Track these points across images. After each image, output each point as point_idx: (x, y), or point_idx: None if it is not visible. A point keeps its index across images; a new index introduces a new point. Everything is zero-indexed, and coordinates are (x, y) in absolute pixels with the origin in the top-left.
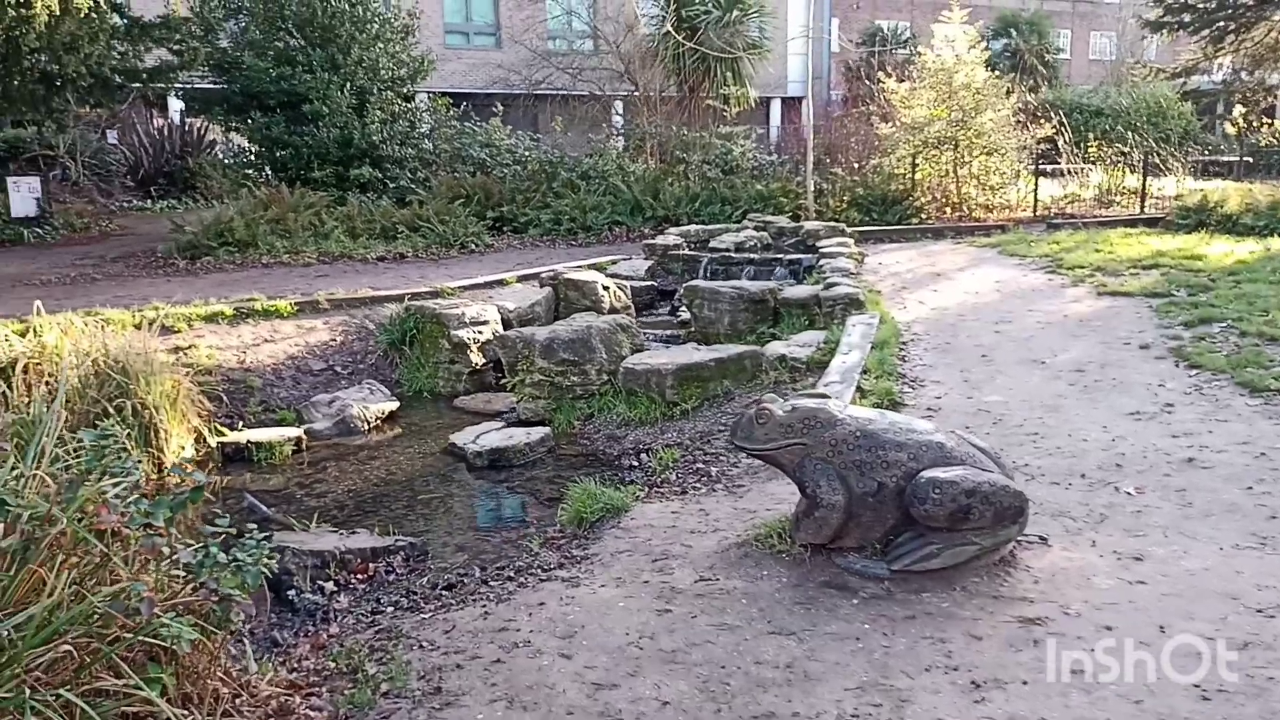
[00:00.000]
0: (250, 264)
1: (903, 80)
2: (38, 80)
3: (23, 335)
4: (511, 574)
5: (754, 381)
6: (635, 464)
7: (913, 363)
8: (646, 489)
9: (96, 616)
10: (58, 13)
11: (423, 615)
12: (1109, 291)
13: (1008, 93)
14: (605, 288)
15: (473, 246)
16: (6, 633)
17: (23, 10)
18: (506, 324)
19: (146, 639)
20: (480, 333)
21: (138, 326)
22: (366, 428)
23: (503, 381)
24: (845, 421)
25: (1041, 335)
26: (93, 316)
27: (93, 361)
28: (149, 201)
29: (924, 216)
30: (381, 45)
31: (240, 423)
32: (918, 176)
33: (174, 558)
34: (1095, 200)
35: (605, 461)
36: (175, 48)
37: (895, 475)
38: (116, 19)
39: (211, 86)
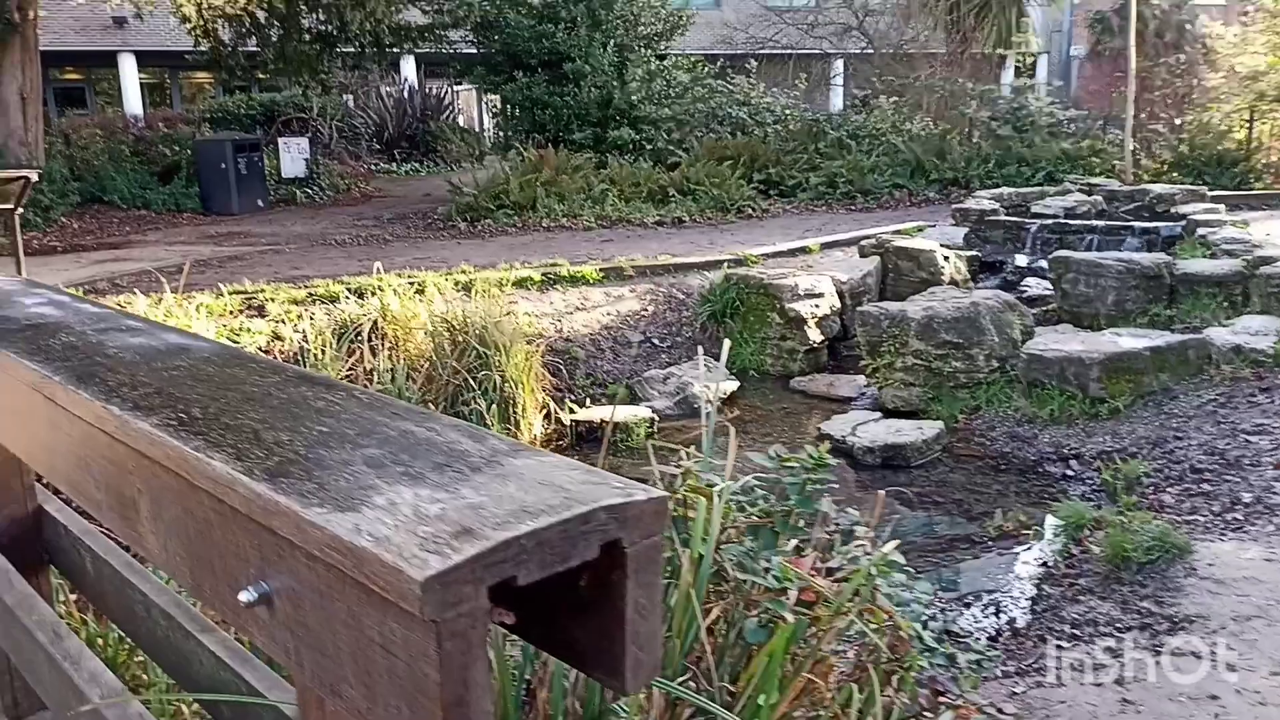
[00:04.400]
0: (531, 227)
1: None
2: (312, 41)
3: (359, 297)
4: (1070, 628)
5: (1199, 377)
6: (1068, 473)
7: None
8: (1151, 512)
9: None
10: None
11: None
12: None
13: None
14: (945, 258)
15: (749, 211)
16: None
17: None
18: (840, 297)
19: None
20: (817, 306)
21: (464, 288)
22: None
23: (863, 364)
24: None
25: None
26: (404, 278)
27: (449, 328)
28: (393, 164)
29: (1268, 181)
30: None
31: (586, 399)
32: (1254, 134)
33: None
34: None
35: (1021, 467)
36: (435, 7)
37: None
38: None
39: (470, 51)
